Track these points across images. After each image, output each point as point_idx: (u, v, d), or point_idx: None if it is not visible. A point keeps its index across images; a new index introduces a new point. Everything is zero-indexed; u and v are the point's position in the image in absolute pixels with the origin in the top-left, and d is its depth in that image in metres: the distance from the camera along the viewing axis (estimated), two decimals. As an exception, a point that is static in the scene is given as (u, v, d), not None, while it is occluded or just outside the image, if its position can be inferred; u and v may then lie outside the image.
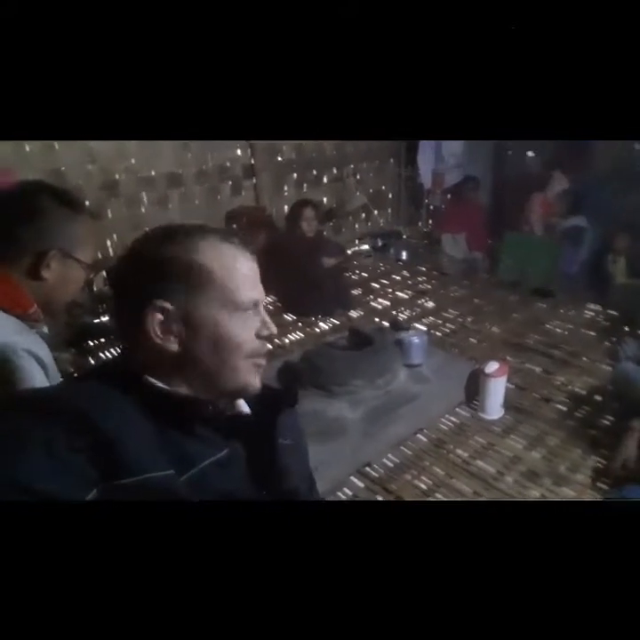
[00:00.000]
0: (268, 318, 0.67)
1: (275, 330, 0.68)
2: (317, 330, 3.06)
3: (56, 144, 2.80)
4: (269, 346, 0.70)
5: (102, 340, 2.94)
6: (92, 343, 2.91)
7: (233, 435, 0.66)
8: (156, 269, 0.61)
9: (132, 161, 3.11)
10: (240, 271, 0.64)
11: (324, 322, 3.13)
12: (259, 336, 0.66)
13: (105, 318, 3.03)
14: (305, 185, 4.09)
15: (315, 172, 4.15)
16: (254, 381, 0.67)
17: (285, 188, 3.97)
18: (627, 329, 2.87)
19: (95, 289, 3.20)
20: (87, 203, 2.84)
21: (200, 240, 0.62)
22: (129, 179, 3.13)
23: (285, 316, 3.22)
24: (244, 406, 0.71)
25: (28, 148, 2.72)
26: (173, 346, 0.61)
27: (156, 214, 3.28)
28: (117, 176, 3.08)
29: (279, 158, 3.85)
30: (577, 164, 3.85)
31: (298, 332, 3.03)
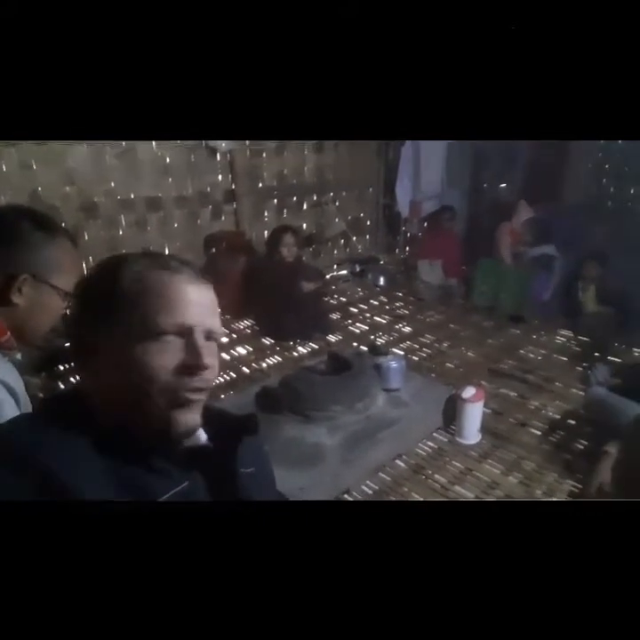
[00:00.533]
0: (200, 346, 0.60)
1: (203, 361, 0.60)
2: (296, 354, 3.05)
3: (34, 164, 2.78)
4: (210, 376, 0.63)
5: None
6: (63, 368, 2.83)
7: (192, 466, 0.64)
8: (86, 298, 0.63)
9: (112, 184, 3.11)
10: (165, 295, 0.60)
11: (303, 346, 3.13)
12: (184, 366, 0.60)
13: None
14: (285, 211, 4.15)
15: (295, 199, 4.21)
16: (185, 419, 0.61)
17: (265, 214, 4.02)
18: (597, 355, 2.96)
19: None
20: (64, 226, 2.81)
21: (123, 268, 0.61)
22: (108, 201, 3.12)
23: (264, 339, 3.21)
24: (201, 436, 0.69)
25: (4, 168, 2.69)
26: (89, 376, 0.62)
27: (135, 237, 3.27)
28: (96, 199, 3.07)
29: (260, 184, 3.91)
30: (543, 193, 4.01)
31: (276, 357, 3.01)
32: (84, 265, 3.02)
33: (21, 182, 2.75)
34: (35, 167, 2.79)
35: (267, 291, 3.16)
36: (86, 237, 3.08)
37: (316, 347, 3.12)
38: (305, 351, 3.09)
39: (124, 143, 3.03)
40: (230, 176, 3.67)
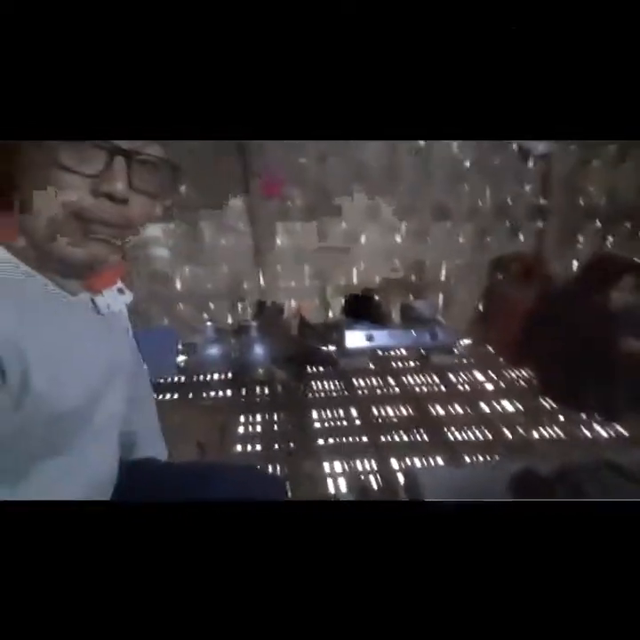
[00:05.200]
0: None
1: None
2: (588, 434, 2.10)
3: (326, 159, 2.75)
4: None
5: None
6: (310, 370, 2.73)
7: None
8: None
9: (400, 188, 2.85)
10: None
11: (603, 426, 2.13)
12: None
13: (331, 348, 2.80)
14: (611, 238, 3.09)
15: (629, 225, 3.10)
16: None
17: (580, 239, 3.08)
18: None
19: (331, 315, 3.03)
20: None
21: None
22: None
23: (542, 400, 2.36)
24: None
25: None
26: None
27: (414, 246, 2.94)
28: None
29: (581, 201, 3.00)
30: None
31: (556, 429, 2.13)
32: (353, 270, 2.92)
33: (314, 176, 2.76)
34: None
35: (568, 338, 2.30)
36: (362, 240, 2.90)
37: (627, 434, 2.08)
38: (605, 434, 2.09)
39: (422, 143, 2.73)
40: (541, 187, 2.93)
